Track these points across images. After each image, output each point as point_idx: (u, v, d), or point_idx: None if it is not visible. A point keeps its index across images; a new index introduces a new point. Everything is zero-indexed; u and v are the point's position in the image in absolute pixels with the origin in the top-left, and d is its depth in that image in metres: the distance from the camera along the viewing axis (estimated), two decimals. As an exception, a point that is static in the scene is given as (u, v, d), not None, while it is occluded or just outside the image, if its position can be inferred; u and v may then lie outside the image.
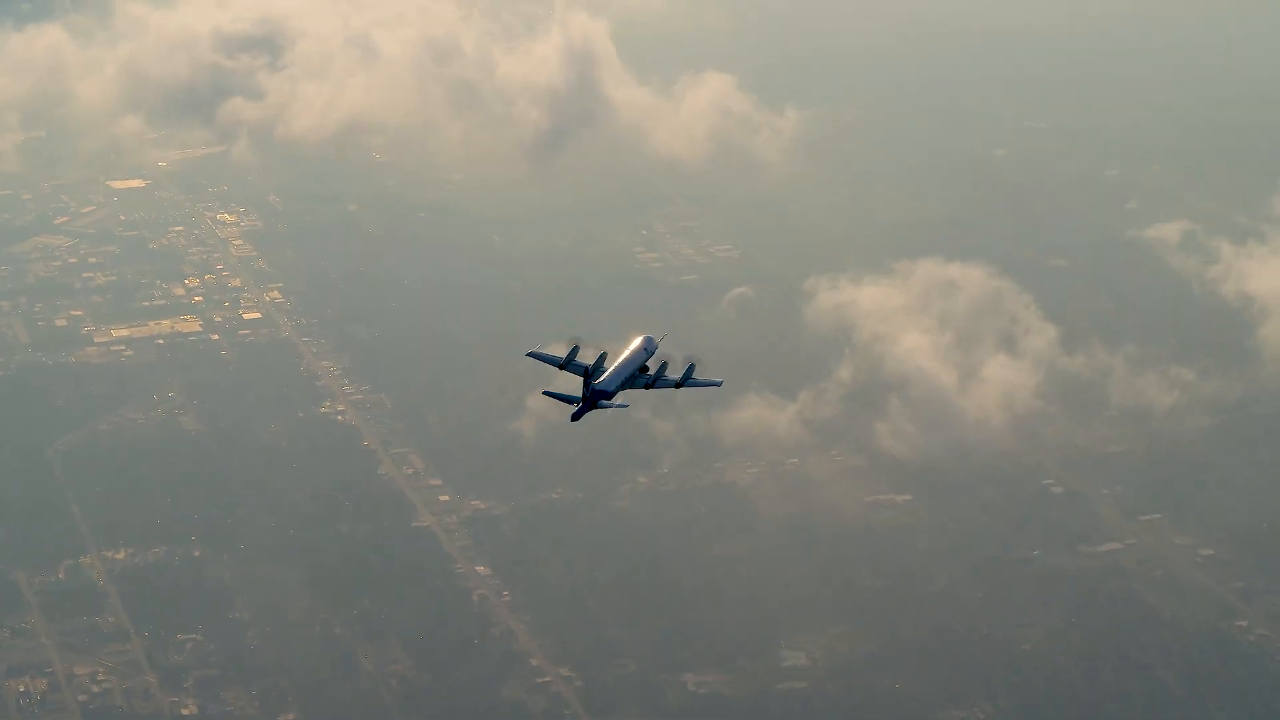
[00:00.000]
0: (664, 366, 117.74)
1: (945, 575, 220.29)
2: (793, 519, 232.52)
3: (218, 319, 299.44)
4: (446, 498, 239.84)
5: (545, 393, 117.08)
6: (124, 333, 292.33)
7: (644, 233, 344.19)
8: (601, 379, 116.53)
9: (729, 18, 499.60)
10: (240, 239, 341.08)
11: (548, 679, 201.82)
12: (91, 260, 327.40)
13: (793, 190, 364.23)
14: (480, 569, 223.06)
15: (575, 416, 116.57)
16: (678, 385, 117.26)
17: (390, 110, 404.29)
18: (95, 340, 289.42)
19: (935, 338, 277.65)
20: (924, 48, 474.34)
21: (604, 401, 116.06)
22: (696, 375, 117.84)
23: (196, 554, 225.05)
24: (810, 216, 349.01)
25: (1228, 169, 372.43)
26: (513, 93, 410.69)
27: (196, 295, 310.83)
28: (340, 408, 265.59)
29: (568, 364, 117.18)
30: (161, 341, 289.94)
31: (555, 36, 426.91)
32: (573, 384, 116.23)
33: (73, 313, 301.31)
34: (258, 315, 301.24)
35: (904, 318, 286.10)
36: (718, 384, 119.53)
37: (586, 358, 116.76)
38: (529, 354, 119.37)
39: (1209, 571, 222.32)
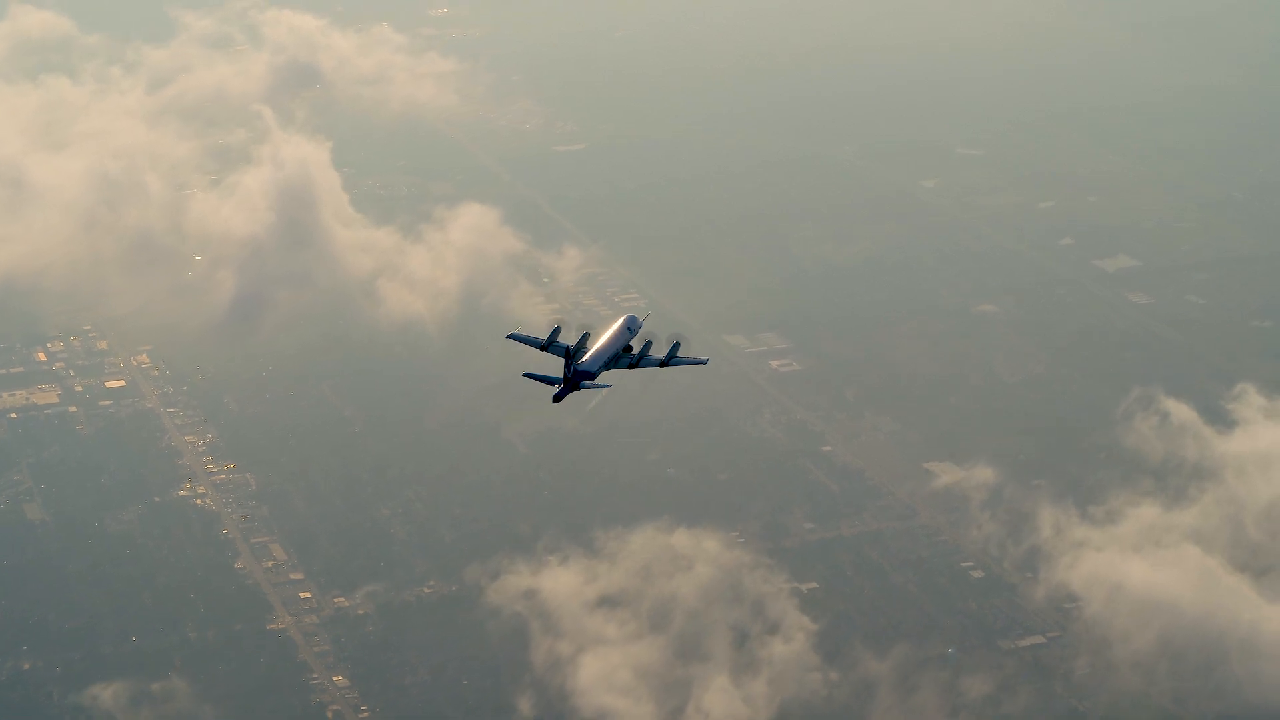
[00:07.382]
0: (648, 346, 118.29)
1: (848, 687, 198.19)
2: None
3: (78, 388, 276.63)
4: (307, 594, 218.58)
5: (526, 374, 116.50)
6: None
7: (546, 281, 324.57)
8: (584, 359, 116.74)
9: (506, 120, 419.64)
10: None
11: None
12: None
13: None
14: (337, 679, 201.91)
15: (557, 398, 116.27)
16: (662, 364, 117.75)
17: (47, 271, 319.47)
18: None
19: (643, 647, 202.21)
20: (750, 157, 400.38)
21: (586, 382, 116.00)
22: (681, 354, 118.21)
23: (26, 667, 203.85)
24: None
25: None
26: (203, 244, 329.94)
27: (58, 360, 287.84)
28: (200, 490, 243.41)
29: (549, 345, 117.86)
30: (14, 415, 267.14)
31: (264, 167, 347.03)
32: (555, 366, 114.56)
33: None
34: (122, 383, 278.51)
35: (601, 620, 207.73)
36: (703, 362, 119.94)
37: (568, 338, 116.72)
38: (510, 336, 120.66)
39: (1140, 673, 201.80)
